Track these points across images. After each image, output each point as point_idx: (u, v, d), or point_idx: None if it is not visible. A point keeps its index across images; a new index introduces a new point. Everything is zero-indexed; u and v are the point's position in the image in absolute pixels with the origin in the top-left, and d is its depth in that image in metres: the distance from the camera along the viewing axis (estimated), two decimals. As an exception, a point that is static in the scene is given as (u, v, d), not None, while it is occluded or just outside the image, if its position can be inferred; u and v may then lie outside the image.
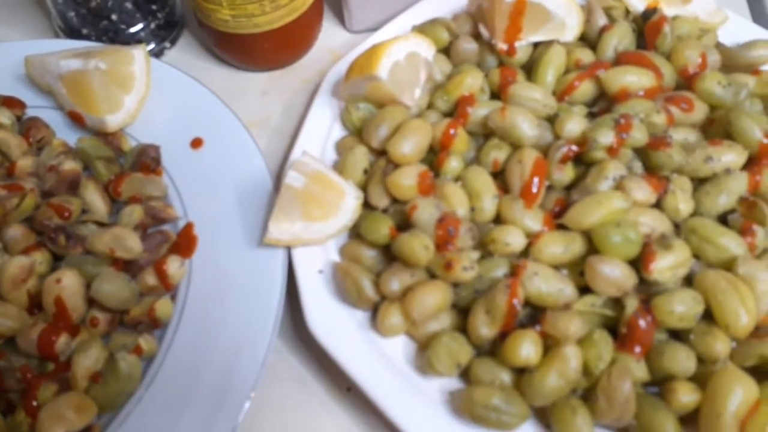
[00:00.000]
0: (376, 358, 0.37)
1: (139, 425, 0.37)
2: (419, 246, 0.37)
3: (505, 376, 0.35)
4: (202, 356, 0.38)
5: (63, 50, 0.48)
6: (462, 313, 0.38)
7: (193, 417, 0.36)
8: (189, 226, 0.43)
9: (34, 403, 0.35)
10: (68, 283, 0.37)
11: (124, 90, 0.46)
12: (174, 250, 0.42)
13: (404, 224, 0.40)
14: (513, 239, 0.38)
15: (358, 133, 0.46)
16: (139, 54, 0.48)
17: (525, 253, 0.38)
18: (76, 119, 0.47)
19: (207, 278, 0.41)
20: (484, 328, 0.36)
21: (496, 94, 0.46)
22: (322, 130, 0.46)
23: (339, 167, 0.43)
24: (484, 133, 0.44)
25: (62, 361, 0.37)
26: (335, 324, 0.38)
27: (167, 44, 0.56)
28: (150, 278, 0.40)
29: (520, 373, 0.35)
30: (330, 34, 0.57)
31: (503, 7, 0.46)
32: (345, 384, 0.40)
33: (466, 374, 0.37)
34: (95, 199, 0.43)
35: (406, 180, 0.41)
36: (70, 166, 0.42)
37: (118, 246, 0.39)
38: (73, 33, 0.54)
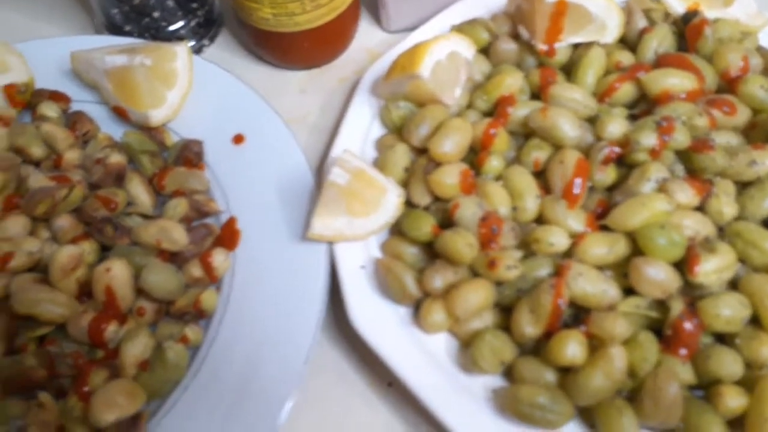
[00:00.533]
0: (419, 354, 0.37)
1: (186, 413, 0.37)
2: (463, 244, 0.38)
3: (550, 375, 0.35)
4: (247, 348, 0.39)
5: (107, 46, 0.49)
6: (504, 311, 0.38)
7: (238, 407, 0.37)
8: (232, 220, 0.44)
9: (86, 389, 0.36)
10: (117, 273, 0.38)
11: (168, 86, 0.47)
12: (218, 244, 0.42)
13: (446, 222, 0.40)
14: (557, 239, 0.38)
15: (397, 131, 0.46)
16: (182, 51, 0.48)
17: (567, 253, 0.39)
18: (120, 114, 0.48)
19: (250, 271, 0.42)
20: (529, 327, 0.36)
21: (536, 95, 0.47)
22: (361, 128, 0.47)
23: (379, 165, 0.44)
24: (524, 134, 0.44)
25: (111, 348, 0.38)
26: (378, 319, 0.39)
27: (206, 42, 0.57)
28: (195, 270, 0.40)
29: (565, 372, 0.35)
30: (366, 34, 0.57)
31: (544, 8, 0.46)
32: (386, 379, 0.40)
33: (508, 373, 0.37)
34: (140, 192, 0.44)
35: (449, 178, 0.41)
36: (116, 159, 0.43)
37: (164, 238, 0.40)
38: (115, 30, 0.55)
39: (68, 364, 0.37)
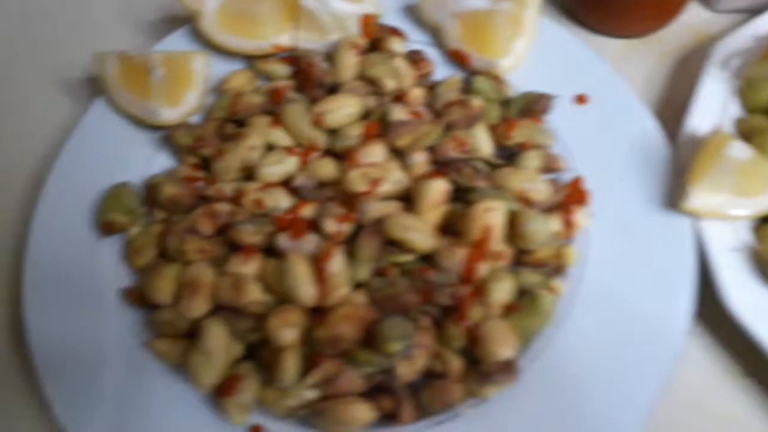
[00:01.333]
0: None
1: (551, 365, 0.37)
2: None
3: None
4: (608, 310, 0.38)
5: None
6: None
7: (605, 367, 0.37)
8: (579, 180, 0.43)
9: (466, 322, 0.36)
10: (497, 214, 0.37)
11: (517, 34, 0.46)
12: (567, 202, 0.42)
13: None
14: None
15: (764, 112, 0.44)
16: (533, 0, 0.47)
17: None
18: (457, 58, 0.47)
19: (605, 234, 0.41)
20: None
21: None
22: (715, 106, 0.44)
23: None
24: None
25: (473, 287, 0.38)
26: (759, 306, 0.37)
27: None
28: (554, 224, 0.40)
29: None
30: (690, 11, 0.54)
31: None
32: (744, 368, 0.39)
33: None
34: (483, 140, 0.44)
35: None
36: (478, 103, 0.43)
37: (530, 187, 0.40)
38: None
39: (447, 294, 0.37)
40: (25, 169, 0.50)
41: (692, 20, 0.54)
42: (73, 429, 0.37)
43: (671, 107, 0.49)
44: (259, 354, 0.38)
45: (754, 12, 0.50)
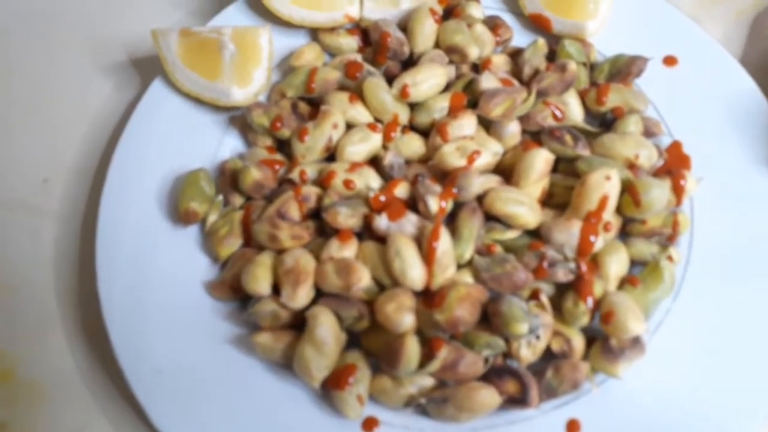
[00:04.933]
0: None
1: (671, 337, 0.36)
2: None
3: None
4: (722, 277, 0.37)
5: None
6: None
7: (729, 338, 0.35)
8: (677, 144, 0.41)
9: (591, 298, 0.34)
10: (615, 183, 0.35)
11: (599, -5, 0.44)
12: (667, 167, 0.40)
13: None
14: None
15: None
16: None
17: None
18: (538, 23, 0.45)
19: (708, 199, 0.39)
20: None
21: None
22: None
23: None
24: None
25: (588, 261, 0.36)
26: None
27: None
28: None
29: None
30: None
31: None
32: None
33: None
34: (575, 106, 0.42)
35: None
36: (573, 68, 0.41)
37: (641, 153, 0.38)
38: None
39: (566, 269, 0.35)
40: (74, 159, 0.47)
41: (764, -24, 0.52)
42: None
43: (750, 67, 0.47)
44: (362, 343, 0.37)
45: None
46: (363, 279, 0.34)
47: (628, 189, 0.36)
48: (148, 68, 0.50)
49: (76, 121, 0.49)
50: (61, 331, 0.41)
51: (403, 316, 0.34)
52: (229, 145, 0.43)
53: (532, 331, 0.33)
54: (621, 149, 0.38)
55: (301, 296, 0.35)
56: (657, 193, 0.36)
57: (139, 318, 0.38)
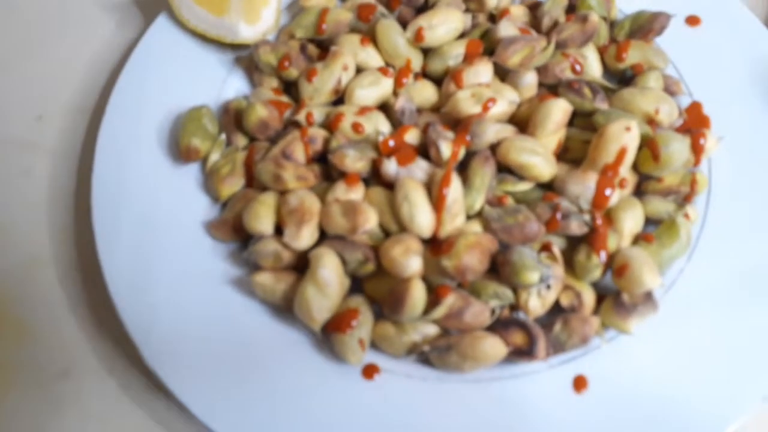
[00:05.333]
0: None
1: (684, 297, 0.35)
2: None
3: None
4: (739, 238, 0.36)
5: None
6: None
7: (741, 301, 0.34)
8: (697, 105, 0.40)
9: (605, 251, 0.33)
10: (635, 135, 0.34)
11: (625, -51, 0.43)
12: (685, 128, 0.39)
13: None
14: None
15: None
16: None
17: None
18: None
19: (727, 161, 0.38)
20: None
21: None
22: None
23: None
24: None
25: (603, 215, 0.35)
26: None
27: None
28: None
29: None
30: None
31: None
32: None
33: None
34: (594, 60, 0.40)
35: None
36: (594, 18, 0.39)
37: (662, 108, 0.37)
38: None
39: (582, 221, 0.34)
40: (72, 96, 0.45)
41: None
42: (176, 389, 0.33)
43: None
44: (365, 289, 0.35)
45: None
46: (370, 220, 0.33)
47: (647, 143, 0.35)
48: (151, 6, 0.48)
49: (75, 60, 0.47)
50: (53, 269, 0.40)
51: (410, 259, 0.32)
52: (233, 86, 0.42)
53: (543, 281, 0.32)
54: (641, 103, 0.37)
55: (304, 236, 0.34)
56: (677, 147, 0.34)
57: (136, 256, 0.36)
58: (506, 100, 0.37)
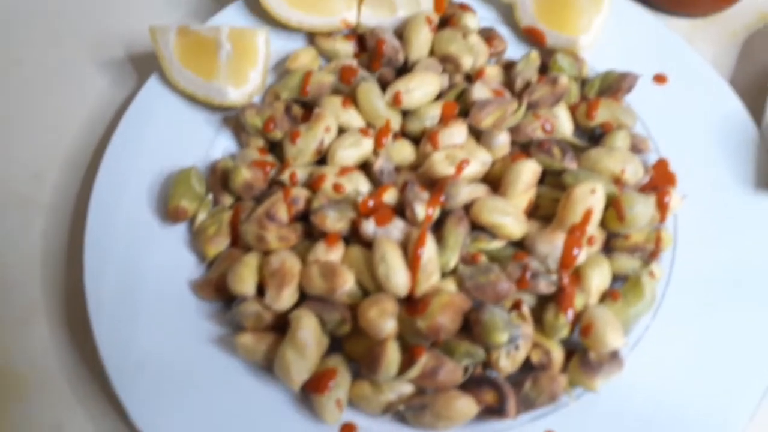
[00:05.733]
0: None
1: (649, 354, 0.36)
2: None
3: None
4: (704, 295, 0.37)
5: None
6: None
7: (708, 356, 0.36)
8: (663, 163, 0.41)
9: (571, 311, 0.35)
10: (600, 196, 0.36)
11: (597, 11, 0.44)
12: (651, 185, 0.41)
13: None
14: None
15: None
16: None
17: None
18: (532, 36, 0.45)
19: (692, 217, 0.40)
20: None
21: None
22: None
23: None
24: None
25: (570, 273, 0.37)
26: None
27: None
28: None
29: None
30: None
31: None
32: None
33: None
34: (565, 120, 0.42)
35: None
36: (564, 81, 0.41)
37: (628, 168, 0.38)
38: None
39: (548, 281, 0.35)
40: (67, 153, 0.47)
41: (758, 1, 0.53)
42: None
43: (740, 88, 0.48)
44: (344, 348, 0.37)
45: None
46: (347, 282, 0.34)
47: (612, 203, 0.37)
48: (145, 65, 0.51)
49: (71, 116, 0.49)
50: (45, 324, 0.41)
51: (385, 321, 0.34)
52: (221, 146, 0.44)
53: (512, 341, 0.34)
54: (607, 163, 0.38)
55: (285, 298, 0.35)
56: (641, 209, 0.36)
57: (124, 313, 0.38)
58: (479, 161, 0.39)
